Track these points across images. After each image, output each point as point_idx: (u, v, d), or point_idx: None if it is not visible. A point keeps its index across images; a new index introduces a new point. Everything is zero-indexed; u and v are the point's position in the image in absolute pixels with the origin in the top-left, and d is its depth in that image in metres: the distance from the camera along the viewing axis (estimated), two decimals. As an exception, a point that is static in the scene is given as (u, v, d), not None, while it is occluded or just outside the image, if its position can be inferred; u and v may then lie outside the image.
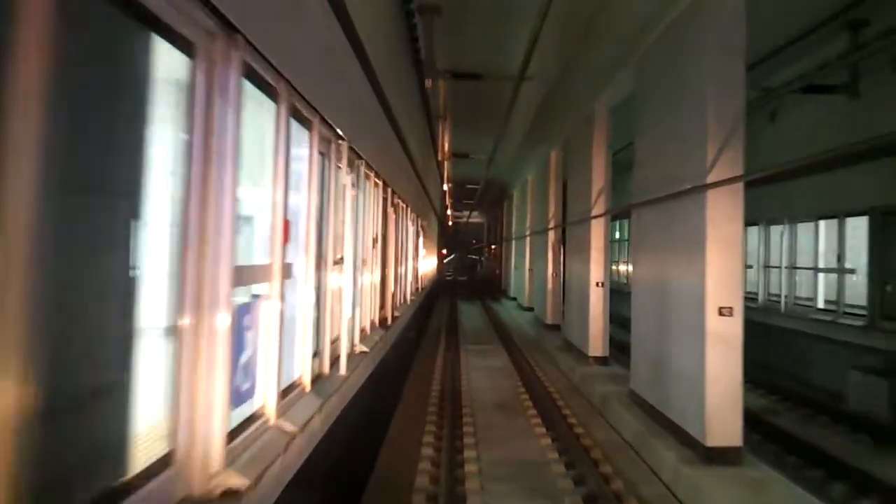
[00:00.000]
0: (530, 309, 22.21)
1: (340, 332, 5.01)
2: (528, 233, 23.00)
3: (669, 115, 7.44)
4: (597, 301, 11.38)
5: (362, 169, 5.87)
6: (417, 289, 15.46)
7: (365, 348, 5.85)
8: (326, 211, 4.80)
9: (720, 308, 6.26)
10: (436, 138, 16.79)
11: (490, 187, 28.84)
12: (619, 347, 13.03)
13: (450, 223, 48.99)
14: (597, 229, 11.43)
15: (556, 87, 13.85)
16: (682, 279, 6.90)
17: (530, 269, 22.94)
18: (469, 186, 28.47)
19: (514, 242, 28.58)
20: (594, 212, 11.36)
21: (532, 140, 18.69)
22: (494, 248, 45.06)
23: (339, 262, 5.03)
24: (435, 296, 26.90)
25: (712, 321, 6.26)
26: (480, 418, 8.26)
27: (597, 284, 11.39)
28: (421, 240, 16.26)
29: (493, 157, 16.87)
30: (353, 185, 5.22)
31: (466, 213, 49.49)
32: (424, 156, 16.22)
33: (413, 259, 13.92)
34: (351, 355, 5.49)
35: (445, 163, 23.54)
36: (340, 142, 4.92)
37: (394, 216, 8.79)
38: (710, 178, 6.32)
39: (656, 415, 7.55)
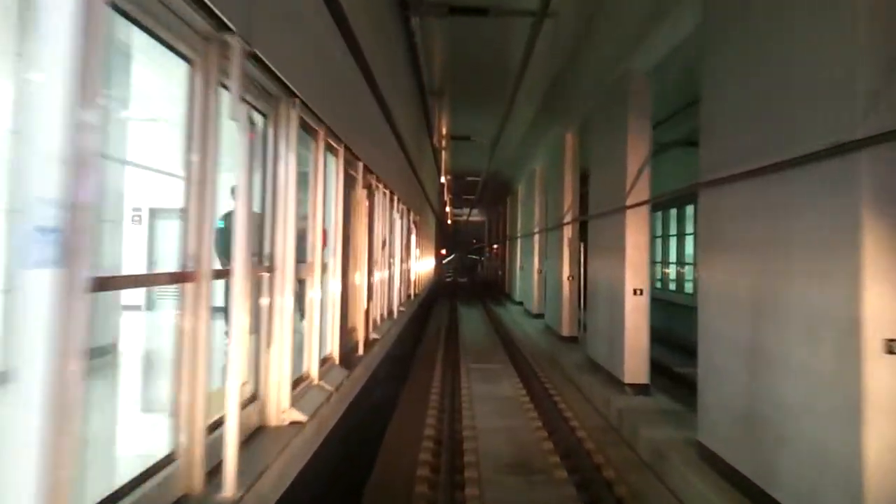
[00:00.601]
0: (539, 316, 19.76)
1: (228, 409, 2.57)
2: (536, 230, 20.56)
3: (785, 43, 4.96)
4: (635, 313, 8.94)
5: (293, 113, 3.44)
6: (410, 296, 13.03)
7: (299, 417, 3.41)
8: (191, 171, 2.39)
9: (889, 342, 3.81)
10: (431, 119, 14.36)
11: (492, 180, 26.42)
12: (659, 370, 10.57)
13: (449, 221, 46.62)
14: (635, 223, 8.97)
15: (573, 53, 11.43)
16: (809, 294, 4.44)
17: (539, 271, 20.52)
18: (470, 178, 25.96)
19: (519, 241, 26.13)
20: (631, 200, 8.91)
21: (543, 122, 16.25)
22: (497, 248, 42.65)
23: (222, 274, 2.59)
24: (432, 301, 24.46)
25: (876, 367, 3.81)
26: (491, 491, 5.80)
27: (635, 292, 8.94)
28: (414, 237, 13.82)
29: (498, 138, 14.42)
30: (251, 123, 2.77)
31: (467, 210, 47.03)
32: (418, 141, 13.80)
33: (403, 261, 11.48)
34: (259, 438, 3.07)
35: (443, 152, 21.11)
36: (227, 37, 2.51)
37: (367, 203, 6.35)
38: (871, 129, 3.87)
39: (749, 488, 5.11)
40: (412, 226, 13.17)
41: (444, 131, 16.61)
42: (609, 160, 10.07)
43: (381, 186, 7.56)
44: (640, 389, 8.84)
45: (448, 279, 53.20)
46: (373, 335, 6.73)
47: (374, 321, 7.37)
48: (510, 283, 31.09)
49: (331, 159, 4.80)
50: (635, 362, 8.90)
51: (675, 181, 11.81)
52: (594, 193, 11.14)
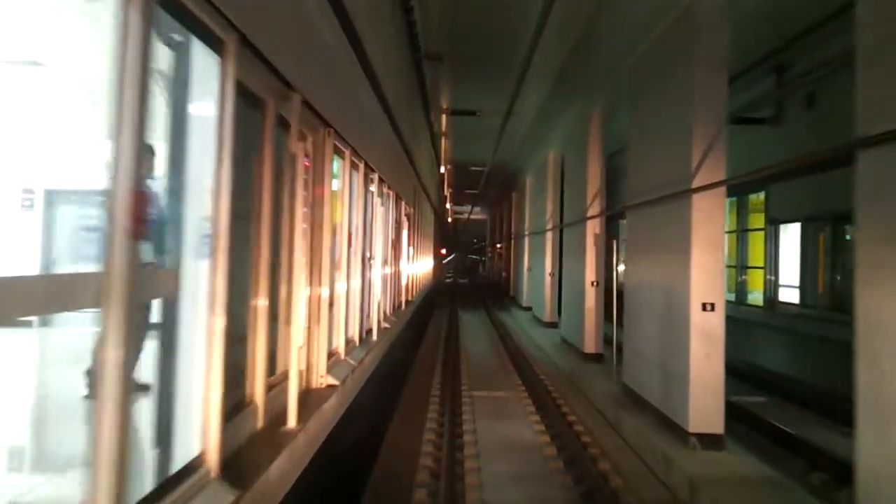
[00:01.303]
0: (552, 325, 17.30)
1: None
2: (548, 226, 18.10)
3: None
4: (705, 336, 6.47)
5: None
6: (400, 305, 10.59)
7: None
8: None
9: None
10: (427, 91, 11.90)
11: (497, 172, 23.95)
12: (734, 413, 8.00)
13: (449, 219, 44.23)
14: (705, 211, 6.49)
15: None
16: None
17: (551, 274, 18.07)
18: (473, 168, 23.39)
19: (526, 239, 23.64)
20: (700, 180, 6.45)
21: (560, 100, 13.73)
22: (501, 247, 40.24)
23: None
24: (431, 306, 21.98)
25: None
26: None
27: (704, 307, 6.47)
28: (406, 233, 11.36)
29: (509, 112, 11.95)
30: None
31: (468, 208, 44.62)
32: (412, 117, 11.34)
33: (390, 262, 9.03)
34: None
35: (443, 139, 18.64)
36: None
37: (308, 167, 3.89)
38: None
39: None
40: (404, 218, 10.72)
41: (444, 106, 14.13)
42: (663, 130, 7.60)
43: (347, 154, 5.09)
44: (711, 442, 6.39)
45: (448, 280, 50.84)
46: (325, 380, 4.27)
47: (336, 353, 4.92)
48: (516, 286, 28.58)
49: (204, 56, 2.36)
50: (706, 404, 6.43)
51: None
52: (637, 175, 8.67)
